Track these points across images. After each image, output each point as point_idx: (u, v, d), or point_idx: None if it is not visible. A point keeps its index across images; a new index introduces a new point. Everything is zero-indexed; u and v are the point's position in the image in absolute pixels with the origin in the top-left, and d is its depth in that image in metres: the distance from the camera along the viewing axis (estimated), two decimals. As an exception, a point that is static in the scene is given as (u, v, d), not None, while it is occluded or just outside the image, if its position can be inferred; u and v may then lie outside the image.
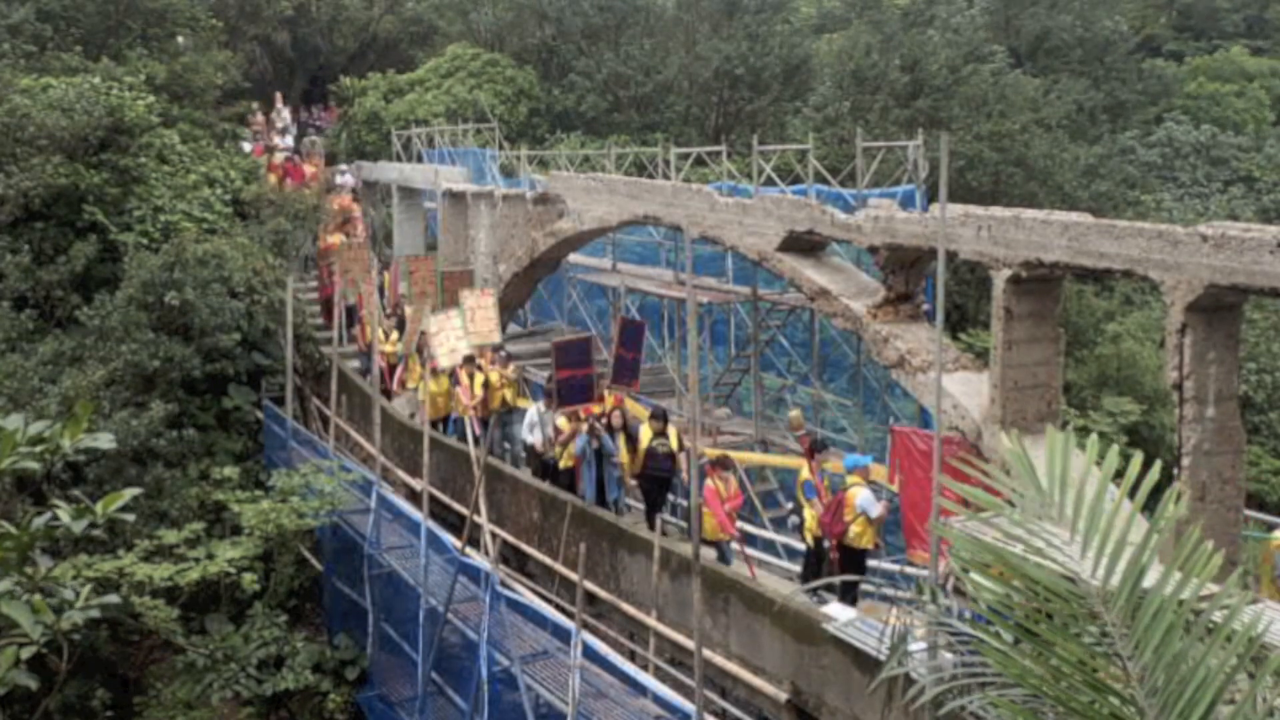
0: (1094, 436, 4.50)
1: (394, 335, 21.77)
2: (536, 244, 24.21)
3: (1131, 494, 4.25)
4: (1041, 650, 3.97)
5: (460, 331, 18.96)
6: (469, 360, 18.81)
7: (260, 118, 34.70)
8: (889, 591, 12.22)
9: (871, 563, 14.54)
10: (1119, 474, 4.44)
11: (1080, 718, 3.80)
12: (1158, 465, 4.53)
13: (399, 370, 21.19)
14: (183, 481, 18.39)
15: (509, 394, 19.53)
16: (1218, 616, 3.90)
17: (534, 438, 17.47)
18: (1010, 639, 4.19)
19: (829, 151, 28.63)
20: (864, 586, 13.26)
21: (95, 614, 4.95)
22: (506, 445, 19.76)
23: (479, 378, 18.87)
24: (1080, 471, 4.41)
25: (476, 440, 17.84)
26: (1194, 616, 3.93)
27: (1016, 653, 4.10)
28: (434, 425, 19.06)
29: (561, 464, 16.61)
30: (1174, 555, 3.94)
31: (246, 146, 31.05)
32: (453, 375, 18.96)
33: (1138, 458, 4.33)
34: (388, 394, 21.36)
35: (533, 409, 17.72)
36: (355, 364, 23.47)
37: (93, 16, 29.13)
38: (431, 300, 21.86)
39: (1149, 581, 3.96)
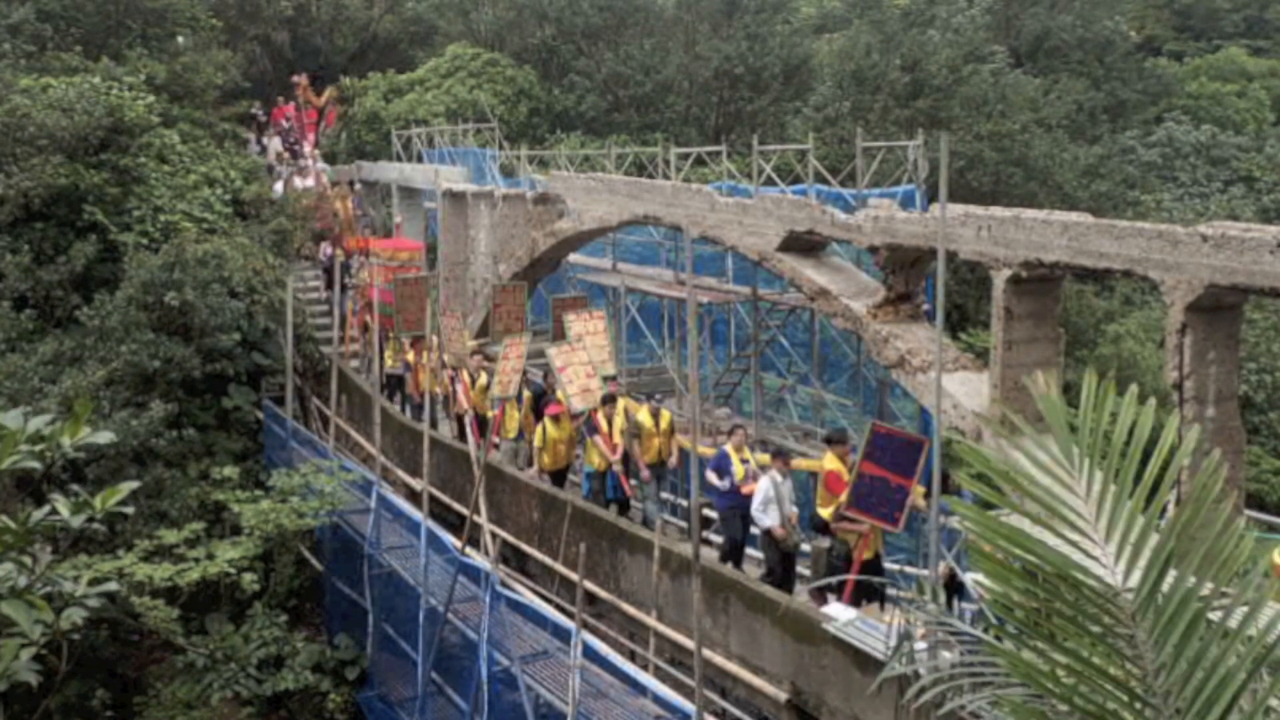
0: (1133, 390, 4.11)
1: (481, 378, 18.70)
2: (536, 244, 24.21)
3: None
4: (1060, 649, 3.86)
5: (590, 367, 16.20)
6: (609, 400, 15.87)
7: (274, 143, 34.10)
8: (890, 591, 12.23)
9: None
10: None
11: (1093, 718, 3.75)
12: (1195, 431, 4.39)
13: (494, 418, 17.77)
14: (183, 481, 18.40)
15: (663, 443, 15.93)
16: (1236, 614, 3.80)
17: (770, 519, 13.07)
18: (1020, 636, 4.09)
19: (829, 151, 28.61)
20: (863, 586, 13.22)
21: (95, 604, 4.94)
22: (637, 505, 16.09)
23: (619, 421, 15.72)
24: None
25: (616, 505, 15.56)
26: (1216, 615, 3.80)
27: (1028, 650, 4.01)
28: (554, 479, 16.69)
29: (867, 554, 12.21)
30: (1195, 549, 3.84)
31: (279, 186, 30.15)
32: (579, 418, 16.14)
33: (1172, 422, 4.01)
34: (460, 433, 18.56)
35: (765, 480, 13.16)
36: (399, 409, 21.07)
37: (93, 16, 29.14)
38: (524, 334, 18.71)
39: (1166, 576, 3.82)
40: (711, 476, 13.81)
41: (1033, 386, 4.18)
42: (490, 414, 18.09)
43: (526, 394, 17.75)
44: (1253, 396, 25.79)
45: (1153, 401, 3.99)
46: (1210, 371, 12.02)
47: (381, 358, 22.33)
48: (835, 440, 13.42)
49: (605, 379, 16.58)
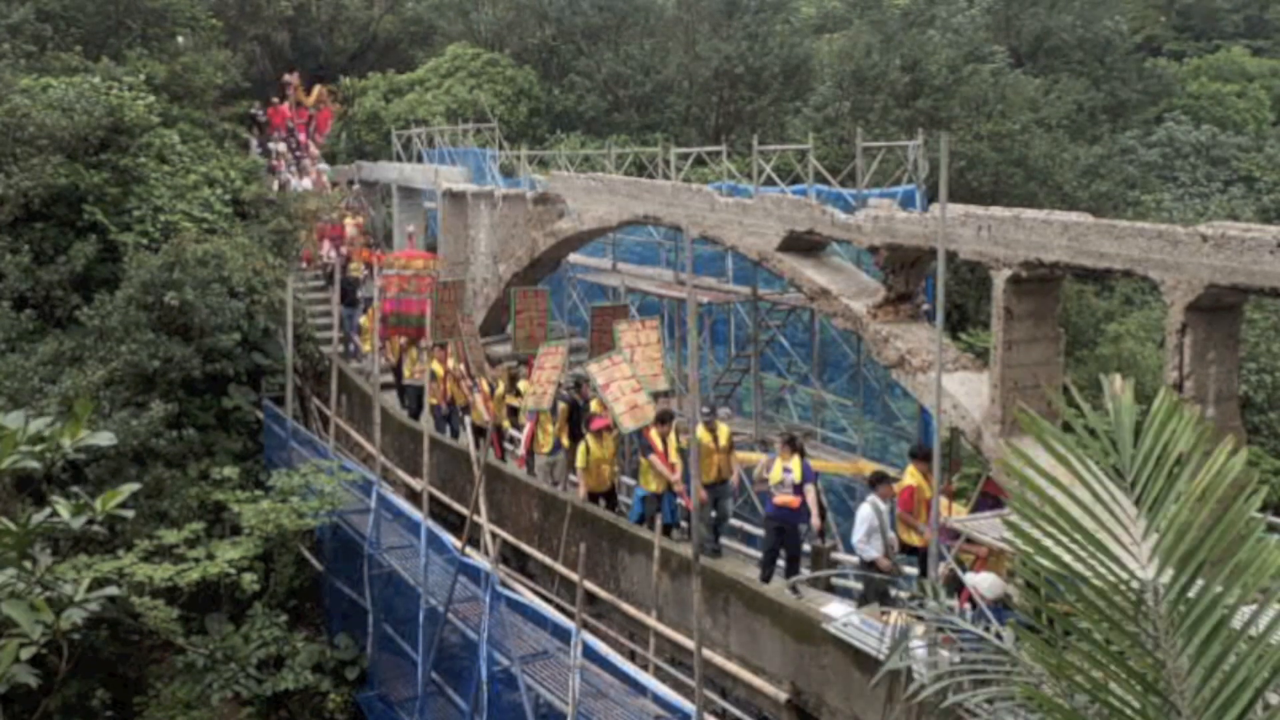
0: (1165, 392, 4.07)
1: (500, 386, 18.24)
2: (536, 244, 24.21)
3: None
4: (1102, 650, 3.85)
5: (636, 383, 15.12)
6: (664, 419, 14.86)
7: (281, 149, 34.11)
8: (890, 591, 12.23)
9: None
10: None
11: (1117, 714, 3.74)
12: (1243, 452, 4.40)
13: (526, 432, 17.28)
14: (183, 481, 18.39)
15: (724, 461, 14.99)
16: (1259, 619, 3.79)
17: (874, 549, 12.35)
18: (1054, 639, 4.08)
19: (829, 151, 28.61)
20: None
21: (95, 608, 4.95)
22: (678, 527, 15.04)
23: (674, 440, 14.70)
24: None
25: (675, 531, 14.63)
26: (1241, 618, 3.80)
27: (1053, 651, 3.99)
28: (594, 499, 15.71)
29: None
30: (1224, 555, 3.84)
31: (275, 185, 29.87)
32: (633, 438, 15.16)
33: (1233, 442, 4.01)
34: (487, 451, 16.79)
35: (866, 506, 12.56)
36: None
37: (93, 16, 29.11)
38: (562, 342, 17.86)
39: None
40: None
41: (1108, 387, 4.18)
42: (505, 423, 17.97)
43: (562, 406, 17.04)
44: (1253, 396, 25.77)
45: (1192, 407, 4.07)
46: (1210, 371, 12.02)
47: (399, 372, 22.27)
48: (921, 455, 12.81)
49: (655, 395, 15.41)
